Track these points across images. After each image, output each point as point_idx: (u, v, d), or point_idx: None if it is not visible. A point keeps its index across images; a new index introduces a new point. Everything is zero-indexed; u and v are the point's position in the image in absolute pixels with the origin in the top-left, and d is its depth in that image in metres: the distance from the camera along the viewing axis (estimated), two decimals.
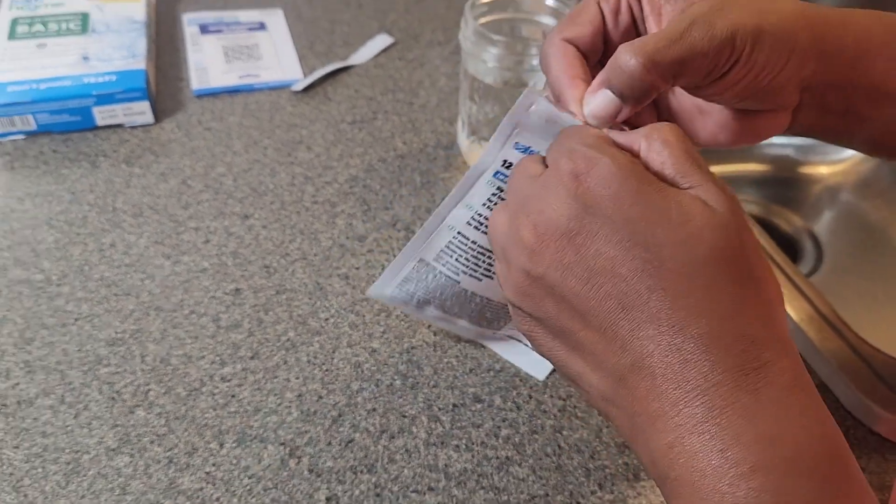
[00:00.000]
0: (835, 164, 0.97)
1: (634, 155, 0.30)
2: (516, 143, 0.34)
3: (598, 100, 0.32)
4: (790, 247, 0.90)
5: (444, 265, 0.42)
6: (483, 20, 0.59)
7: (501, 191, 0.36)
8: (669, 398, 0.27)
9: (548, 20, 0.60)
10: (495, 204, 0.37)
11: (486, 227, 0.38)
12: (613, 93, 0.31)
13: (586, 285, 0.28)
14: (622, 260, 0.28)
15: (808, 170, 0.97)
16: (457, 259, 0.41)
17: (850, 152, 0.97)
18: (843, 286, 0.85)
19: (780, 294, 0.29)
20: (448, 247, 0.40)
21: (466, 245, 0.40)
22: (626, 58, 0.30)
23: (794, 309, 0.52)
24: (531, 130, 0.33)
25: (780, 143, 0.98)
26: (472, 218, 0.38)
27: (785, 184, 0.96)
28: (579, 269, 0.28)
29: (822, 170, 0.97)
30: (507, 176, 0.35)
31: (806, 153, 0.98)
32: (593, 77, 0.33)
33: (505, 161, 0.35)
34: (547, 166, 0.31)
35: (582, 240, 0.28)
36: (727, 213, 0.28)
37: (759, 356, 0.27)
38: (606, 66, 0.31)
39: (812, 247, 0.90)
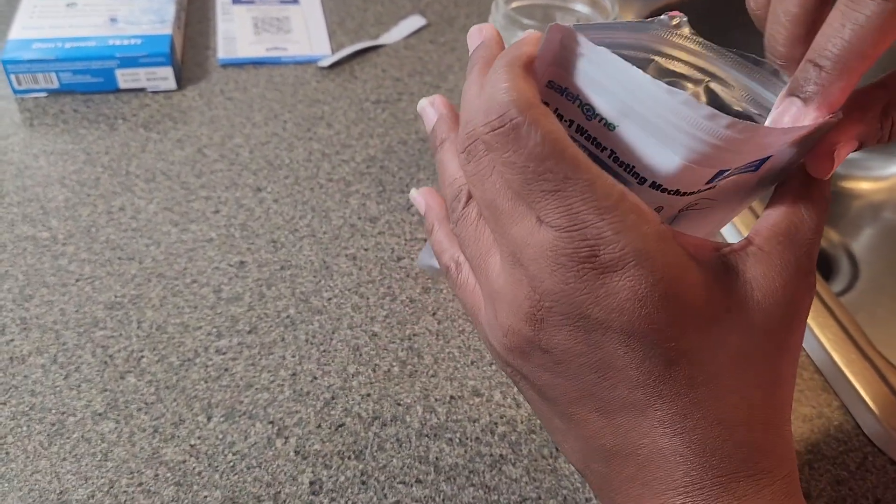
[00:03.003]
0: (879, 180, 0.93)
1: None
2: (549, 80, 0.27)
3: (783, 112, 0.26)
4: (825, 262, 0.87)
5: None
6: (515, 4, 0.57)
7: None
8: (653, 489, 0.26)
9: (582, 8, 0.58)
10: None
11: None
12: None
13: (595, 374, 0.26)
14: (639, 363, 0.25)
15: (849, 184, 0.93)
16: None
17: (894, 169, 0.93)
18: (877, 306, 0.82)
19: (792, 392, 0.28)
20: None
21: None
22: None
23: (820, 327, 0.50)
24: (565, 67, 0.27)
25: None
26: None
27: None
28: (590, 359, 0.26)
29: (865, 185, 0.93)
30: None
31: (849, 167, 0.94)
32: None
33: None
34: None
35: (598, 337, 0.25)
36: (779, 305, 0.26)
37: (755, 464, 0.26)
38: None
39: (848, 264, 0.86)
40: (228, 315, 0.48)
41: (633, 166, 0.26)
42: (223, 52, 0.68)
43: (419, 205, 0.34)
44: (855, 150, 0.27)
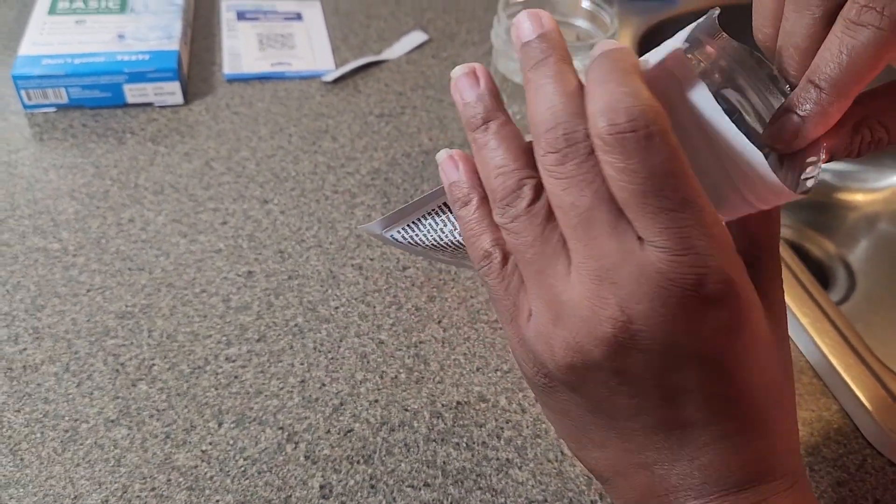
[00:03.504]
0: (873, 192, 0.94)
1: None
2: None
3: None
4: (821, 273, 0.88)
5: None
6: None
7: None
8: (700, 492, 0.27)
9: (583, 23, 0.60)
10: None
11: None
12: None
13: (662, 396, 0.26)
14: (712, 386, 0.26)
15: (844, 196, 0.95)
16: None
17: (889, 181, 0.94)
18: (874, 316, 0.83)
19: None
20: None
21: None
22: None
23: (819, 333, 0.50)
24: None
25: None
26: None
27: (820, 209, 0.94)
28: (663, 382, 0.26)
29: (860, 197, 0.94)
30: None
31: (844, 179, 0.95)
32: None
33: None
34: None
35: (679, 363, 0.25)
36: (782, 312, 0.29)
37: (789, 466, 0.28)
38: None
39: (844, 275, 0.87)
40: (237, 324, 0.49)
41: None
42: (229, 67, 0.70)
43: (449, 170, 0.30)
44: (825, 163, 0.28)
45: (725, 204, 0.26)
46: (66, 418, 0.43)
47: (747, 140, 0.24)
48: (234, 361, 0.46)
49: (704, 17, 0.27)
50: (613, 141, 0.23)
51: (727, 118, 0.24)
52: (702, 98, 0.24)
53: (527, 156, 0.27)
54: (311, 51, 0.73)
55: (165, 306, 0.49)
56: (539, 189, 0.26)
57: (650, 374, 0.25)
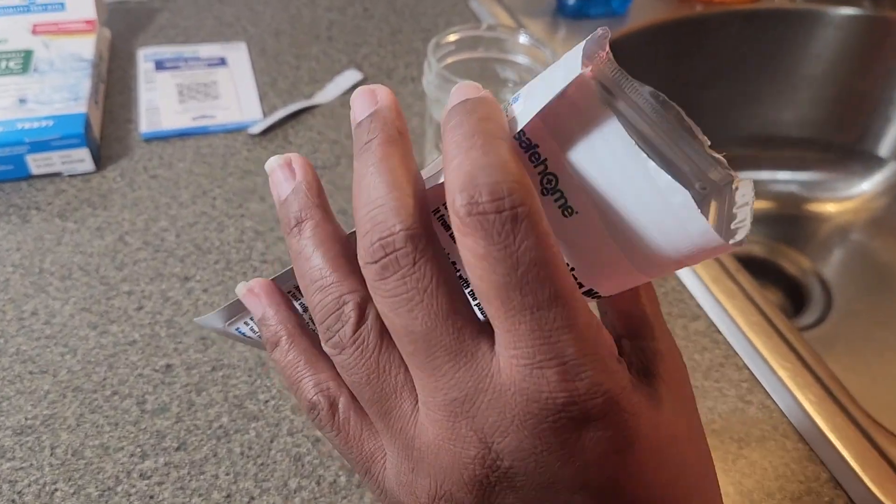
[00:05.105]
0: (844, 201, 0.91)
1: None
2: (522, 131, 0.21)
3: None
4: (797, 291, 0.84)
5: None
6: (450, 60, 0.54)
7: None
8: None
9: (523, 60, 0.55)
10: None
11: None
12: None
13: None
14: None
15: (815, 207, 0.91)
16: None
17: (859, 189, 0.91)
18: (854, 334, 0.79)
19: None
20: None
21: None
22: None
23: (800, 388, 0.46)
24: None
25: (784, 179, 0.92)
26: None
27: (791, 222, 0.90)
28: None
29: (830, 207, 0.91)
30: None
31: (812, 189, 0.92)
32: None
33: None
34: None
35: (566, 497, 0.21)
36: (685, 381, 0.25)
37: None
38: None
39: (820, 291, 0.84)
40: (153, 430, 0.43)
41: (574, 268, 0.22)
42: (146, 124, 0.64)
43: (253, 307, 0.25)
44: None
45: (648, 262, 0.21)
46: None
47: (670, 177, 0.19)
48: (149, 478, 0.41)
49: (594, 34, 0.21)
50: (474, 222, 0.18)
51: (643, 154, 0.19)
52: (612, 133, 0.19)
53: (351, 261, 0.22)
54: (237, 100, 0.67)
55: (71, 415, 0.44)
56: (364, 306, 0.22)
57: None
